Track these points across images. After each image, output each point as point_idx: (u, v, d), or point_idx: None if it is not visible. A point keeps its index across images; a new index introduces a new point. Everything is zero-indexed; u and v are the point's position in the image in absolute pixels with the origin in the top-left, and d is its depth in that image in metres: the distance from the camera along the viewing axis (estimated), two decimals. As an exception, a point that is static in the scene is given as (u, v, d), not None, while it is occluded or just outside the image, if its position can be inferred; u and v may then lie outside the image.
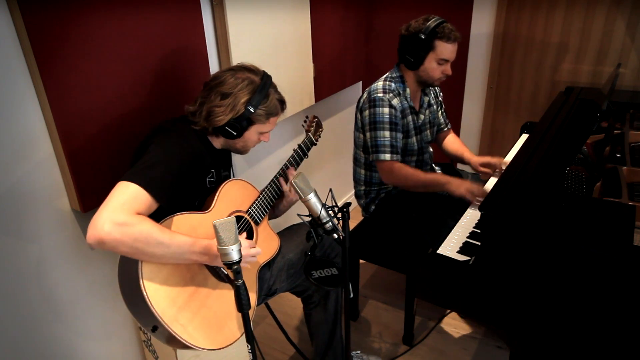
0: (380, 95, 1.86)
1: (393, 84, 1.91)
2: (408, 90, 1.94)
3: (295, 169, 1.63)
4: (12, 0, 1.14)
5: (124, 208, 1.10)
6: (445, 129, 2.22)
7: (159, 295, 1.16)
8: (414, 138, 2.00)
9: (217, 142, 1.44)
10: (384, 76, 1.96)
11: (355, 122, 2.02)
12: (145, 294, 1.13)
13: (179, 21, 1.57)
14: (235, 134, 1.36)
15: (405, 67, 1.91)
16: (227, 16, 1.76)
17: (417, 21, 1.84)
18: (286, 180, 1.59)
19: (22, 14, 1.15)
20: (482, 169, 2.03)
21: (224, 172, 1.52)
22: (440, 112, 2.18)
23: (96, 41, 1.33)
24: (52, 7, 1.21)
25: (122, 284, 1.22)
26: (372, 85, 1.93)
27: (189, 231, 1.27)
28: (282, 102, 1.43)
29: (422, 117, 2.03)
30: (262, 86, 1.34)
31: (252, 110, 1.33)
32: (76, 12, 1.26)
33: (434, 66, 1.85)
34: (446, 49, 1.81)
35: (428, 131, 2.09)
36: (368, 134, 1.90)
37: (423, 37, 1.80)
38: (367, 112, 1.89)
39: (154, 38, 1.50)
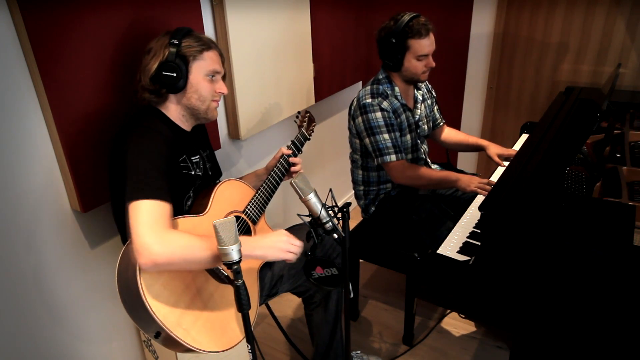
0: (369, 100, 1.87)
1: (381, 87, 1.91)
2: (397, 89, 1.94)
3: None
4: (12, 0, 1.14)
5: (154, 226, 1.11)
6: (441, 124, 2.23)
7: (160, 300, 1.14)
8: (408, 136, 2.00)
9: (175, 113, 1.35)
10: (371, 79, 1.97)
11: (349, 127, 2.03)
12: (145, 300, 1.11)
13: (179, 21, 1.57)
14: (174, 75, 1.27)
15: (389, 69, 1.93)
16: (227, 16, 1.76)
17: (387, 23, 1.84)
18: (286, 170, 1.59)
19: (22, 14, 1.15)
20: (499, 160, 2.04)
21: (194, 157, 1.43)
22: (435, 107, 2.19)
23: (96, 41, 1.33)
24: (52, 7, 1.21)
25: (121, 291, 1.20)
26: (360, 91, 1.93)
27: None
28: (211, 40, 1.36)
29: (418, 112, 2.03)
30: (180, 29, 1.31)
31: (176, 42, 1.27)
32: (76, 12, 1.26)
33: (415, 64, 1.85)
34: (421, 46, 1.80)
35: (425, 125, 2.10)
36: (367, 140, 1.90)
37: (394, 40, 1.79)
38: (359, 120, 1.89)
39: (155, 38, 1.49)
